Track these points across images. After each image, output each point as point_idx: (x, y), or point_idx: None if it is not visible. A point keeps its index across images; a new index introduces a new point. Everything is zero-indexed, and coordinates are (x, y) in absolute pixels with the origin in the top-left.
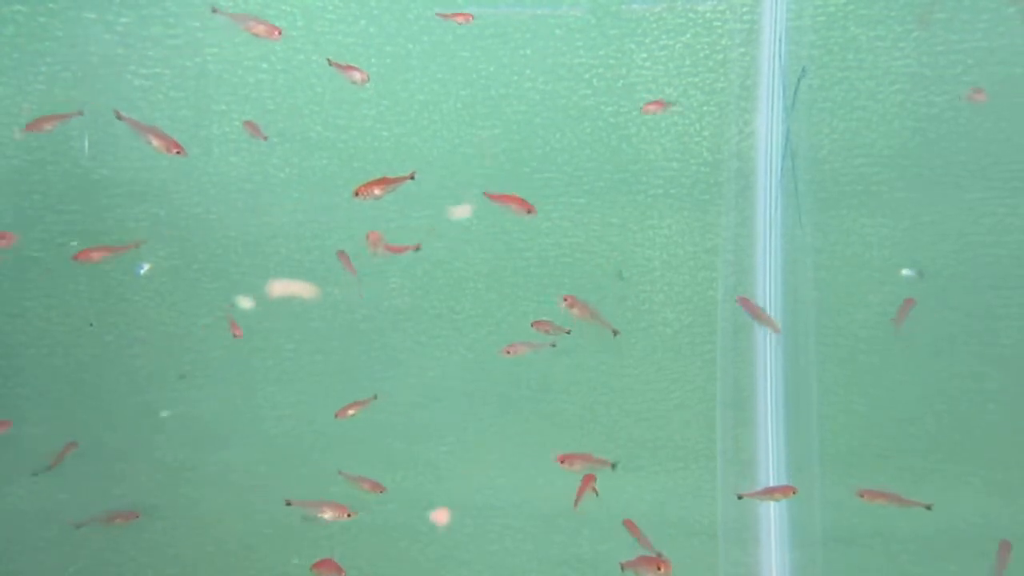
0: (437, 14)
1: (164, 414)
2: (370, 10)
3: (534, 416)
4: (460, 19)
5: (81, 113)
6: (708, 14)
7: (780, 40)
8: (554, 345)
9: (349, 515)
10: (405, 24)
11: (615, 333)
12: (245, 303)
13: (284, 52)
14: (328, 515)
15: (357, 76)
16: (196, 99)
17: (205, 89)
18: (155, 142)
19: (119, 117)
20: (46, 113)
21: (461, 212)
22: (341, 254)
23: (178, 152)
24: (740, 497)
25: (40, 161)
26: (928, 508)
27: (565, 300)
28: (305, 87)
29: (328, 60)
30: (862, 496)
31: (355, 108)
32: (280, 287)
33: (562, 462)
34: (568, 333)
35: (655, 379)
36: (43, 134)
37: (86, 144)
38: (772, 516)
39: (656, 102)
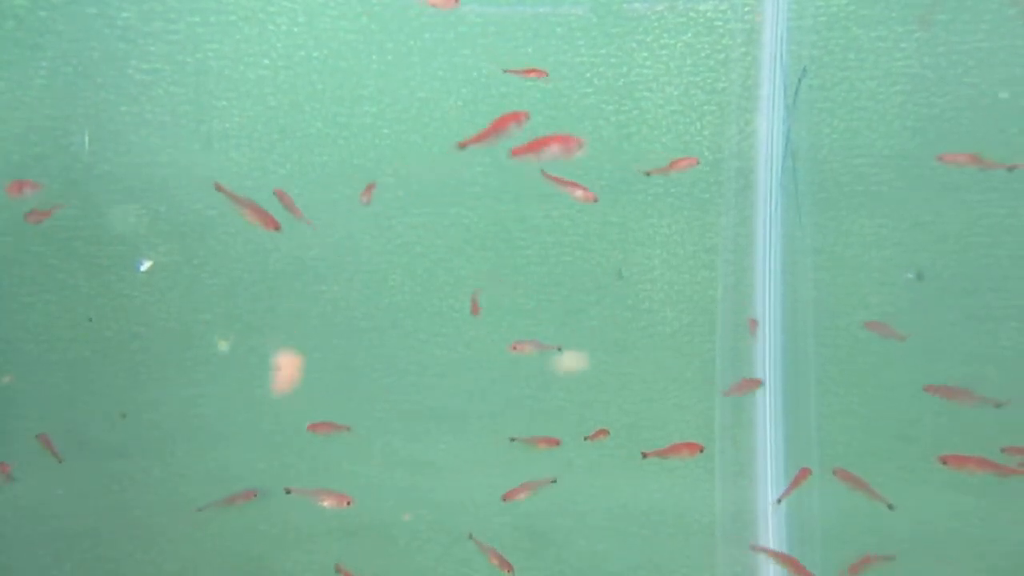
0: (505, 71)
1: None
2: (371, 7)
3: (534, 414)
4: (533, 75)
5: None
6: (709, 13)
7: (781, 40)
8: (560, 349)
9: (348, 503)
10: (406, 21)
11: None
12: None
13: (285, 48)
14: (327, 503)
15: (579, 193)
16: (196, 95)
17: (205, 85)
18: (251, 216)
19: (219, 189)
20: (47, 107)
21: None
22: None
23: (275, 228)
24: (779, 501)
25: (40, 156)
26: (890, 508)
27: None
28: (306, 83)
29: (543, 172)
30: (836, 475)
31: (356, 105)
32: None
33: None
34: (559, 350)
35: (654, 378)
36: (44, 130)
37: (86, 140)
38: (770, 515)
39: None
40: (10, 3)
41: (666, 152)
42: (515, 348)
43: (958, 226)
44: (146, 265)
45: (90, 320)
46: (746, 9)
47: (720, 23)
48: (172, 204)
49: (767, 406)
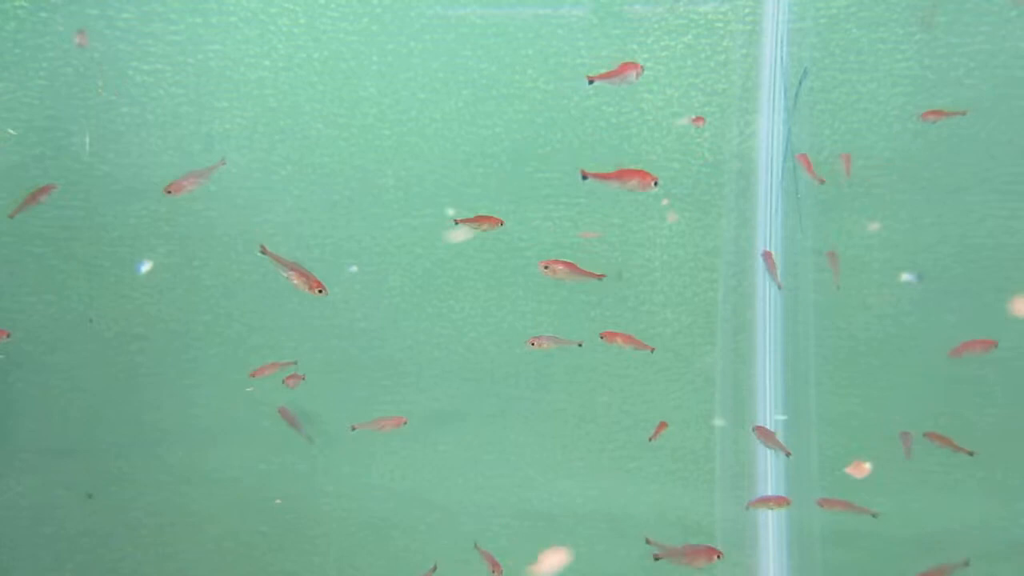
0: (590, 78)
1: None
2: (372, 8)
3: (533, 416)
4: (617, 78)
5: None
6: (710, 15)
7: (782, 42)
8: (580, 344)
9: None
10: (407, 22)
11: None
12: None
13: (286, 49)
14: (388, 428)
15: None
16: (197, 96)
17: (206, 86)
18: (295, 280)
19: (264, 252)
20: (48, 108)
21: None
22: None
23: (320, 291)
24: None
25: (41, 157)
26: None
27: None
28: (306, 85)
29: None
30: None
31: (356, 106)
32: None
33: None
34: (580, 346)
35: (654, 380)
36: (44, 131)
37: (87, 141)
38: (770, 517)
39: None
40: (11, 4)
41: (666, 154)
42: (533, 344)
43: (959, 228)
44: (146, 266)
45: (90, 321)
46: (746, 11)
47: (721, 25)
48: (172, 205)
49: (767, 407)
